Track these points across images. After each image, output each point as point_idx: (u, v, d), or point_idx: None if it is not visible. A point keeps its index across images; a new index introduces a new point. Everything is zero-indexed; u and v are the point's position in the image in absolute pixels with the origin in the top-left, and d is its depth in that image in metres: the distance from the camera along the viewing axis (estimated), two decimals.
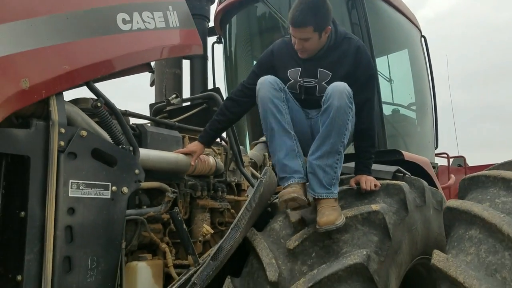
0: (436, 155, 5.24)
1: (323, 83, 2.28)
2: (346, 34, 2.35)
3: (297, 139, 2.22)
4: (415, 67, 4.41)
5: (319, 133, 2.14)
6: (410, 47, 4.40)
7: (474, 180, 2.02)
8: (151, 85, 3.98)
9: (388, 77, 4.17)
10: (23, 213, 1.64)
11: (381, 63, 4.00)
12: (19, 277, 1.60)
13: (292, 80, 2.34)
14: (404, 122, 4.15)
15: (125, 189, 1.94)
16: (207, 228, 2.32)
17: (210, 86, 4.14)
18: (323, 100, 2.15)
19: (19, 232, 1.63)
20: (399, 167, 2.42)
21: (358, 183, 2.27)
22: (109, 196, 1.87)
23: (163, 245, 2.26)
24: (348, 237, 1.97)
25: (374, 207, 2.03)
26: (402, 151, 2.94)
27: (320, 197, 2.08)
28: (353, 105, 2.15)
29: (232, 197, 2.86)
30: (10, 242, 1.65)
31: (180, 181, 2.46)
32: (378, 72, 3.70)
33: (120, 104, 2.18)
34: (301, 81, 2.33)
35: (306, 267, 1.94)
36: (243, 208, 2.30)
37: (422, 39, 4.45)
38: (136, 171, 2.00)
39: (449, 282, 1.60)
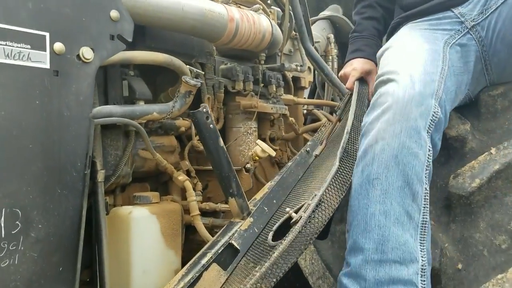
0: None
1: None
2: None
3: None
4: None
5: None
6: None
7: None
8: None
9: None
10: None
11: None
12: None
13: None
14: None
15: (87, 52, 0.84)
16: (262, 147, 1.23)
17: None
18: None
19: None
20: None
21: None
22: (48, 66, 0.79)
23: (180, 176, 1.21)
24: None
25: None
26: None
27: None
28: None
29: (289, 97, 1.75)
30: None
31: (207, 60, 1.36)
32: None
33: None
34: None
35: None
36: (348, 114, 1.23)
37: None
38: (113, 13, 0.89)
39: None
